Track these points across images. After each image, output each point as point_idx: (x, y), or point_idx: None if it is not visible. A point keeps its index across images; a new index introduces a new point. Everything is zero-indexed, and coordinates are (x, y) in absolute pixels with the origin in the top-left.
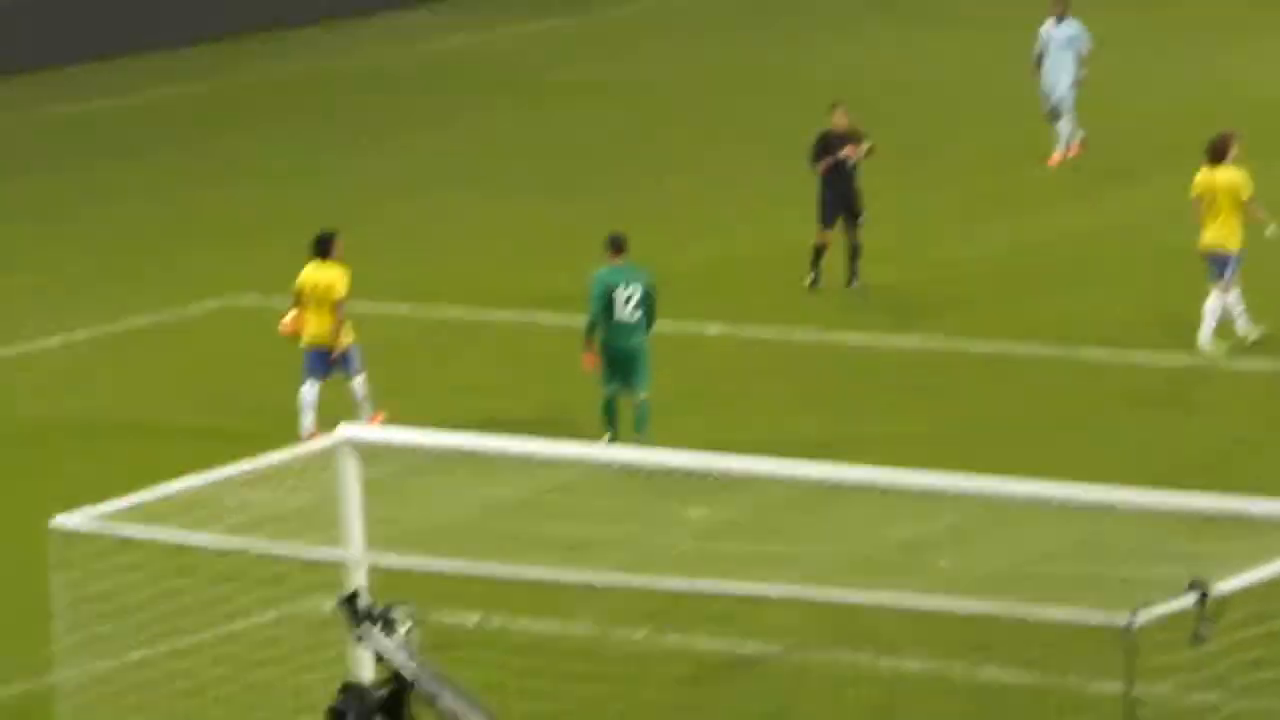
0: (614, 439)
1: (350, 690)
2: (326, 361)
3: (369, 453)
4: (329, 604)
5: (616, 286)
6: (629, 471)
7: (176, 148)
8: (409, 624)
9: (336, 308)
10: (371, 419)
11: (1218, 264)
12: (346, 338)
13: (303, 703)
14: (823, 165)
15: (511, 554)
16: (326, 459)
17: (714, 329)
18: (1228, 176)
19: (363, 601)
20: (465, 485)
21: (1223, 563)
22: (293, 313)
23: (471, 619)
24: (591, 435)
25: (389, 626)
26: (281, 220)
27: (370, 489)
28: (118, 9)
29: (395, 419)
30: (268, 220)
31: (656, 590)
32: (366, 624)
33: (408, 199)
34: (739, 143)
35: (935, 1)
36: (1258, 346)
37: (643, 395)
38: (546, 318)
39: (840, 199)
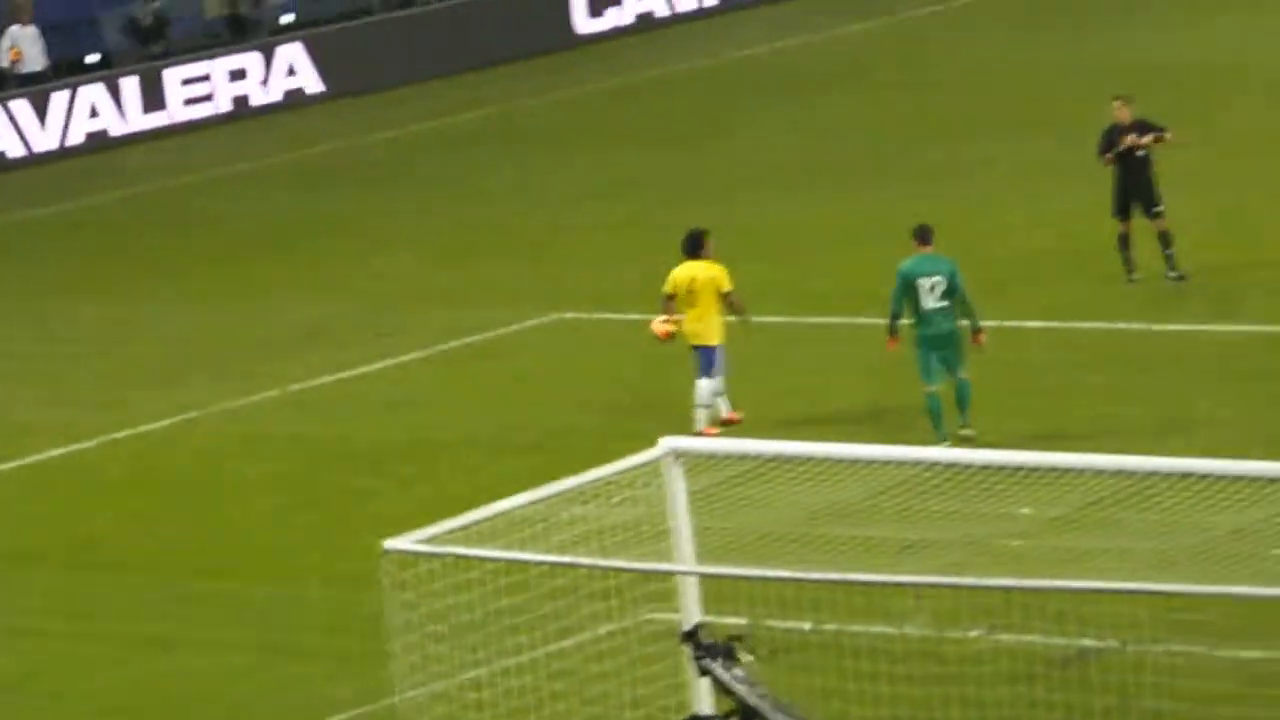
0: (944, 438)
1: None
2: (703, 357)
3: (694, 463)
4: (662, 616)
5: (920, 276)
6: (957, 471)
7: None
8: (750, 656)
9: (727, 300)
10: (730, 417)
11: None
12: (719, 336)
13: (640, 714)
14: (1108, 157)
15: (841, 559)
16: (653, 472)
17: (1033, 323)
18: None
19: (704, 636)
20: (791, 491)
21: None
22: (664, 316)
23: (805, 625)
24: (916, 434)
25: (730, 659)
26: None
27: (697, 499)
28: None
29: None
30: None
31: (989, 589)
32: (708, 658)
33: (717, 203)
34: (1036, 138)
35: None
36: None
37: (962, 375)
38: (866, 319)
39: (1133, 189)
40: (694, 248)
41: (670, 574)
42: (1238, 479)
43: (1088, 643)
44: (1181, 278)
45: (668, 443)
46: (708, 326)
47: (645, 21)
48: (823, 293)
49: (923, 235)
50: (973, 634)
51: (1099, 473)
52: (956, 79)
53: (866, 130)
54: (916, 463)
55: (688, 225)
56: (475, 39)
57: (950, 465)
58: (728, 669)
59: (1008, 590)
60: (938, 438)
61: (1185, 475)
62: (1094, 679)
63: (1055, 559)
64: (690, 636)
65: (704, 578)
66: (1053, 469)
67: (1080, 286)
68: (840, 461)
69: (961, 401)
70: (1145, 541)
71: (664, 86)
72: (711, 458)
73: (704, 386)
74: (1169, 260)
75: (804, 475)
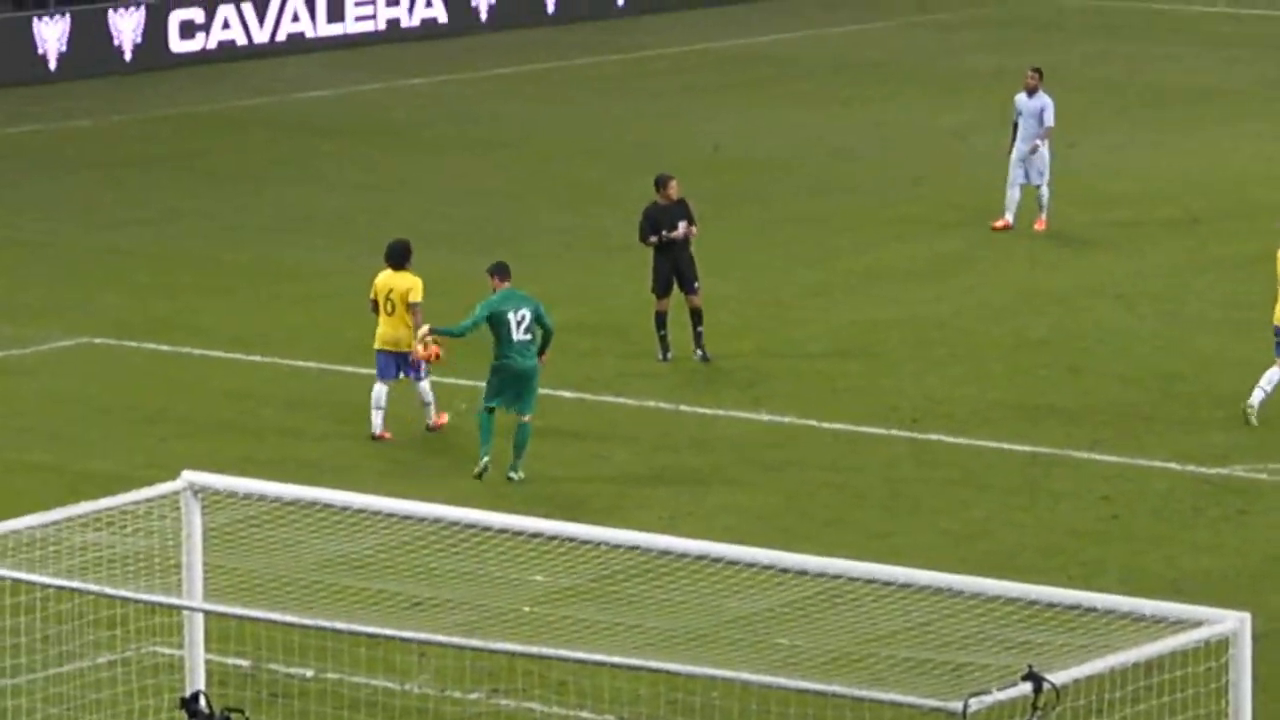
0: (485, 455)
1: None
2: (397, 364)
3: (213, 499)
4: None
5: (508, 311)
6: (475, 531)
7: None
8: None
9: (414, 311)
10: (437, 421)
11: None
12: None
13: None
14: (653, 240)
15: (350, 609)
16: (170, 504)
17: (566, 393)
18: None
19: (202, 704)
20: (308, 537)
21: (1059, 653)
22: (423, 332)
23: (308, 672)
24: (438, 490)
25: None
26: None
27: (213, 535)
28: None
29: (246, 469)
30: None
31: (494, 652)
32: None
33: (259, 245)
34: (579, 211)
35: (786, 82)
36: (1099, 442)
37: (528, 417)
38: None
39: (674, 268)
40: (399, 258)
41: (176, 609)
42: (750, 565)
43: (586, 715)
44: (706, 359)
45: (188, 476)
46: (405, 334)
47: (228, 51)
48: (355, 341)
49: (502, 272)
50: (473, 696)
51: (614, 547)
52: (506, 145)
53: (423, 189)
54: (435, 520)
55: (222, 263)
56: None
57: (469, 525)
58: None
59: (512, 655)
60: (481, 452)
61: (699, 557)
62: None
63: (563, 628)
64: (189, 704)
65: (210, 615)
66: (570, 539)
67: (614, 362)
68: (360, 511)
69: (519, 445)
70: (654, 619)
71: (231, 122)
72: (231, 495)
73: (422, 387)
74: (697, 338)
75: (321, 522)
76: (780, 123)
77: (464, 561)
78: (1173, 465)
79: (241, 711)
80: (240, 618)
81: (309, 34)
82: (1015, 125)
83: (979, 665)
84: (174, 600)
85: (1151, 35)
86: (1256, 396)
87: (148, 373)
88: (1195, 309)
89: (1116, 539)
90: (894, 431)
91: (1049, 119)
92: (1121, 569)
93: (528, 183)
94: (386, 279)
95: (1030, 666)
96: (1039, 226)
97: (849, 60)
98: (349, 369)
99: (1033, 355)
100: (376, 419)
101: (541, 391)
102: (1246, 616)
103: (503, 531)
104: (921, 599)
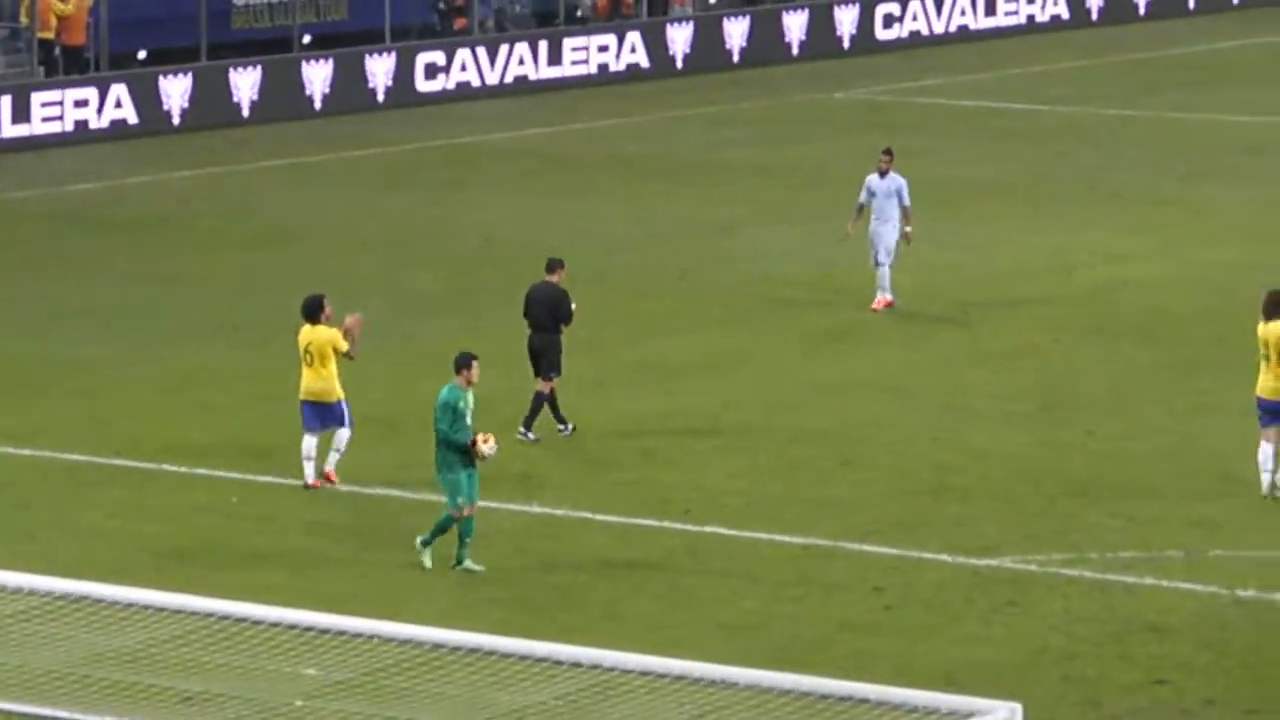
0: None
1: None
2: (319, 415)
3: None
4: None
5: (460, 402)
6: (244, 625)
7: None
8: None
9: (338, 360)
10: (328, 474)
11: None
12: (340, 391)
13: None
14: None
15: (121, 703)
16: None
17: (343, 488)
18: None
19: None
20: (78, 632)
21: None
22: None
23: None
24: (212, 583)
25: None
26: None
27: None
28: None
29: (13, 563)
30: None
31: None
32: None
33: (31, 336)
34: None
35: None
36: (871, 534)
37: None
38: (171, 466)
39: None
40: (313, 312)
41: None
42: (524, 658)
43: None
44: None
45: None
46: (328, 384)
47: None
48: (133, 435)
49: (464, 361)
50: None
51: (387, 639)
52: (277, 239)
53: (198, 282)
54: (205, 613)
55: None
56: None
57: (239, 619)
58: None
59: None
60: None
61: (473, 650)
62: None
63: None
64: None
65: None
66: (341, 632)
67: (390, 453)
68: (129, 605)
69: (465, 535)
70: (426, 714)
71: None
72: (0, 590)
73: (343, 434)
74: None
75: (91, 617)
76: (550, 213)
77: (235, 655)
78: (944, 557)
79: None
80: (11, 714)
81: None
82: (860, 207)
83: None
84: None
85: (923, 129)
86: (1265, 481)
87: None
88: (966, 401)
89: (889, 631)
90: (667, 524)
91: (906, 199)
92: (894, 660)
93: (304, 276)
94: (306, 333)
95: None
96: (878, 305)
97: (617, 153)
98: (119, 462)
99: (808, 448)
100: (308, 469)
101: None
102: (1018, 707)
103: (275, 625)
104: (696, 691)
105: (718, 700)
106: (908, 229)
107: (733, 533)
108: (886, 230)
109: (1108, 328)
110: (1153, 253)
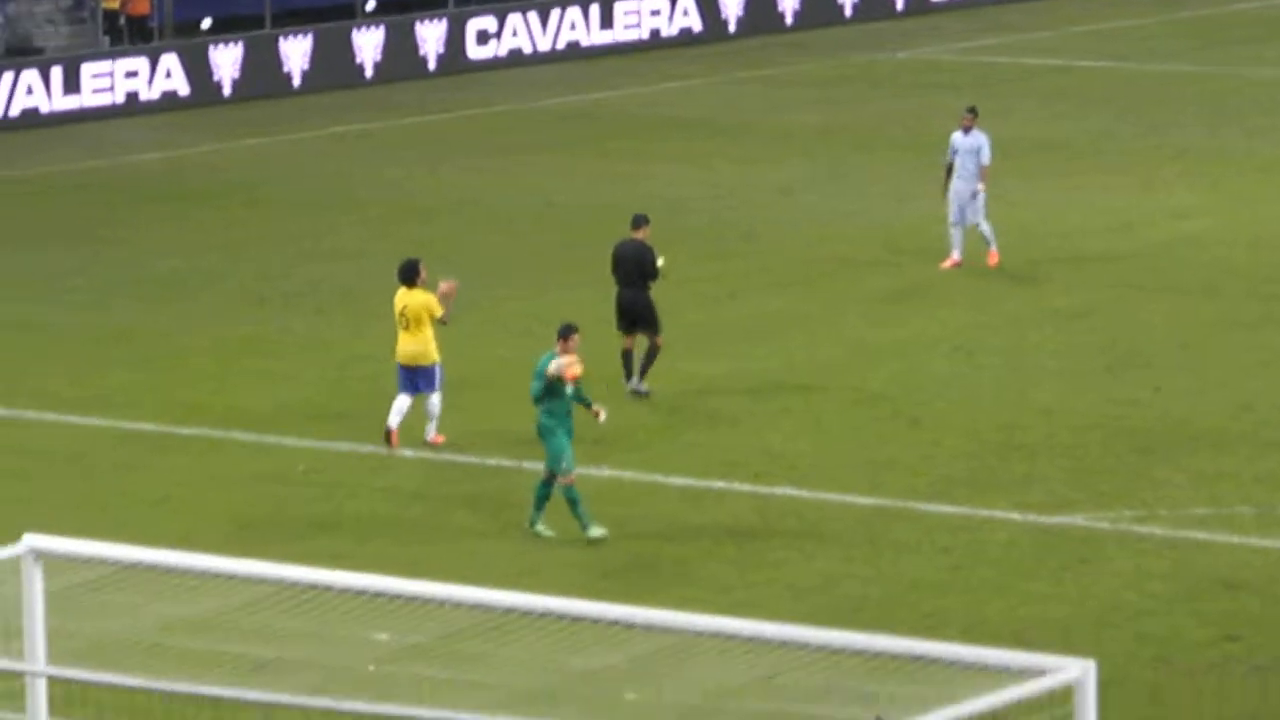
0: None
1: None
2: (414, 378)
3: (53, 563)
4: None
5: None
6: (317, 591)
7: None
8: None
9: (441, 321)
10: (435, 439)
11: None
12: (436, 355)
13: None
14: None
15: (193, 671)
16: (11, 568)
17: (409, 452)
18: None
19: None
20: (149, 600)
21: (903, 703)
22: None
23: None
24: (281, 552)
25: None
26: None
27: (55, 599)
28: None
29: (84, 531)
30: None
31: (340, 712)
32: None
33: (94, 309)
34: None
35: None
36: (939, 494)
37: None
38: (240, 434)
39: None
40: (409, 275)
41: (18, 674)
42: (596, 621)
43: None
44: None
45: (29, 540)
46: (423, 348)
47: (30, 118)
48: (195, 403)
49: (564, 332)
50: None
51: (458, 604)
52: (336, 206)
53: (259, 252)
54: (276, 580)
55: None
56: None
57: (310, 585)
58: None
59: (359, 715)
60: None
61: (545, 613)
62: None
63: (410, 687)
64: None
65: (54, 680)
66: (413, 597)
67: (463, 420)
68: (200, 574)
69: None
70: (499, 676)
71: (48, 185)
72: (72, 559)
73: (433, 401)
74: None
75: (164, 584)
76: (611, 176)
77: (306, 622)
78: (1013, 515)
79: None
80: (83, 682)
81: (143, 96)
82: (950, 165)
83: (826, 717)
84: (16, 665)
85: (984, 90)
86: None
87: None
88: (1034, 360)
89: (958, 590)
90: (736, 485)
91: (986, 157)
92: (965, 619)
93: (364, 242)
94: (401, 296)
95: (877, 717)
96: (992, 262)
97: (675, 117)
98: (184, 431)
99: (874, 408)
100: (394, 417)
101: (380, 451)
102: (1091, 664)
103: (345, 590)
104: (768, 652)
105: (789, 662)
106: (979, 185)
107: (801, 494)
108: (967, 188)
109: (1174, 285)
110: (1219, 209)
